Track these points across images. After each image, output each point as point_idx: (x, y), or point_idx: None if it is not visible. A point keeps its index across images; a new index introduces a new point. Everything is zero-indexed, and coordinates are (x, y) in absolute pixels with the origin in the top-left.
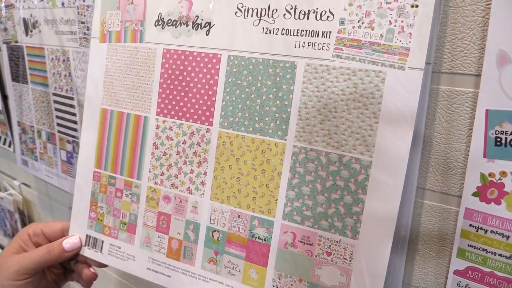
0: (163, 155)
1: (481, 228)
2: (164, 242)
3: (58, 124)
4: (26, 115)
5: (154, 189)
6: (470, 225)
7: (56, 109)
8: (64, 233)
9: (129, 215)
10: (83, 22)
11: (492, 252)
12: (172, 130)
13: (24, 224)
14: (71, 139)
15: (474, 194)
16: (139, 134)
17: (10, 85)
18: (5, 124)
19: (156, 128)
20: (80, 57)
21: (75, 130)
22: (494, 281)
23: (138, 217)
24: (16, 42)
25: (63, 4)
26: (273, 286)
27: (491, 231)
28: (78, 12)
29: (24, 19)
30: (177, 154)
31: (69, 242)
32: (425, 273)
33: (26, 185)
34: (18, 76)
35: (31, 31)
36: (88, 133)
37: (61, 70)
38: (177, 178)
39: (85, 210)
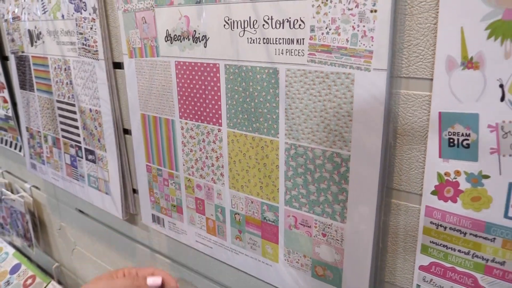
0: (190, 151)
1: (441, 225)
2: (203, 221)
3: (62, 130)
4: (33, 121)
5: (189, 179)
6: (431, 223)
7: (60, 115)
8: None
9: (176, 199)
10: (81, 33)
11: (452, 248)
12: (193, 130)
13: (34, 225)
14: (74, 143)
15: (433, 193)
16: (170, 134)
17: (18, 93)
18: (15, 129)
19: (181, 129)
20: (80, 66)
21: (78, 135)
22: (455, 276)
23: (182, 201)
24: (23, 52)
25: (63, 16)
26: (285, 260)
27: (450, 228)
28: (77, 24)
29: (29, 30)
30: (200, 151)
31: (152, 279)
32: (395, 268)
33: (36, 187)
34: (25, 84)
35: (36, 42)
36: (136, 133)
37: (63, 78)
38: (203, 170)
39: (146, 195)
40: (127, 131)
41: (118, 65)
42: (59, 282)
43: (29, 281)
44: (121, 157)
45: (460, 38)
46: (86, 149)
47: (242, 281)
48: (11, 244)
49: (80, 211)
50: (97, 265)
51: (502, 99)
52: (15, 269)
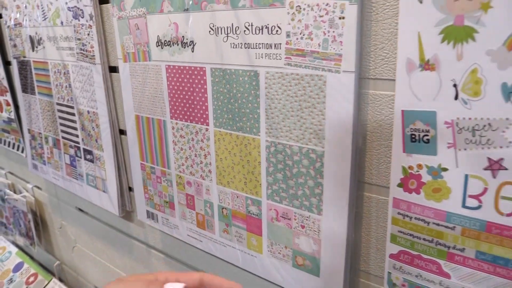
0: (180, 150)
1: (407, 216)
2: (193, 216)
3: (62, 131)
4: (34, 123)
5: (180, 176)
6: (398, 213)
7: (60, 117)
8: (203, 283)
9: (168, 195)
10: (79, 39)
11: (417, 237)
12: (183, 130)
13: (36, 224)
14: (73, 144)
15: (399, 185)
16: (162, 133)
17: (20, 96)
18: (18, 131)
19: (172, 129)
20: (78, 70)
21: (76, 136)
22: (422, 263)
23: (174, 197)
24: (24, 57)
25: (62, 23)
26: (268, 251)
27: (415, 218)
28: (75, 30)
29: (30, 36)
30: (189, 149)
31: (172, 285)
32: (368, 257)
33: (38, 187)
34: (26, 87)
35: (37, 47)
36: (130, 134)
37: (62, 82)
38: (192, 167)
39: (141, 192)
40: (122, 132)
41: (113, 69)
42: (60, 280)
43: (31, 278)
44: (117, 157)
45: (417, 42)
46: (84, 149)
47: (230, 272)
48: (14, 243)
49: (80, 209)
50: (96, 261)
51: (456, 97)
52: (18, 267)
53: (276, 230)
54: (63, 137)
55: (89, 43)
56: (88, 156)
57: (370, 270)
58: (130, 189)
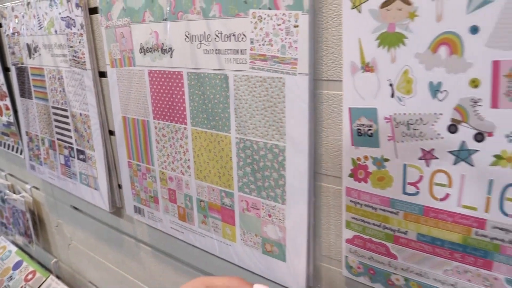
0: (162, 147)
1: (358, 203)
2: (175, 209)
3: (57, 133)
4: (32, 126)
5: (163, 172)
6: (351, 201)
7: (55, 120)
8: None
9: (152, 191)
10: (71, 47)
11: (368, 222)
12: (164, 129)
13: (34, 223)
14: (67, 145)
15: (350, 175)
16: (146, 133)
17: (19, 101)
18: (16, 134)
19: (155, 129)
20: (71, 75)
21: (70, 137)
22: (373, 246)
23: (158, 192)
24: (22, 63)
25: (56, 31)
26: (241, 239)
27: (365, 205)
28: (68, 38)
29: (27, 44)
30: (170, 147)
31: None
32: (329, 243)
33: (36, 188)
34: (24, 92)
35: (33, 54)
36: (118, 134)
37: (57, 86)
38: (173, 163)
39: (129, 188)
40: (112, 132)
41: (103, 74)
42: (57, 277)
43: (30, 276)
44: (107, 156)
45: (359, 47)
46: (77, 150)
47: (209, 262)
48: (14, 242)
49: (75, 208)
50: (90, 257)
51: (392, 95)
52: (17, 266)
53: (247, 220)
54: (58, 139)
55: (80, 50)
56: (81, 156)
57: (331, 254)
58: (120, 186)
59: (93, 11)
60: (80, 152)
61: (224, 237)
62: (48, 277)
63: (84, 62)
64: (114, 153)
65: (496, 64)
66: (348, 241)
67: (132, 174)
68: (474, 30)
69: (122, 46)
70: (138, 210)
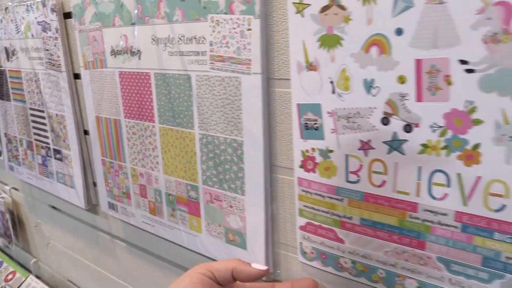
0: (133, 145)
1: (308, 192)
2: (146, 203)
3: (34, 133)
4: (10, 127)
5: (134, 168)
6: (303, 190)
7: (32, 121)
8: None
9: (125, 187)
10: (47, 50)
11: (318, 209)
12: (134, 127)
13: (14, 223)
14: (44, 145)
15: (300, 166)
16: (118, 131)
17: None
18: None
19: (126, 127)
20: (47, 77)
21: (47, 137)
22: (323, 232)
23: (130, 188)
24: (1, 66)
25: (32, 35)
26: (206, 230)
27: (314, 193)
28: (43, 42)
29: (5, 47)
30: (140, 144)
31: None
32: (285, 231)
33: (15, 189)
34: (3, 95)
35: (11, 57)
36: (92, 133)
37: (34, 88)
38: (143, 160)
39: (103, 185)
40: (87, 132)
41: (77, 76)
42: (37, 276)
43: (10, 276)
44: (82, 154)
45: (303, 48)
46: (54, 149)
47: (178, 253)
48: None
49: (53, 207)
50: (69, 256)
51: (333, 92)
52: None
53: (211, 211)
54: (35, 139)
55: (55, 53)
56: (58, 156)
57: (287, 242)
58: (95, 184)
59: (67, 15)
60: (57, 151)
61: (191, 228)
62: (28, 277)
63: (60, 64)
64: (89, 151)
65: (418, 62)
66: (301, 228)
67: (105, 171)
68: (399, 32)
69: (95, 49)
70: (112, 206)
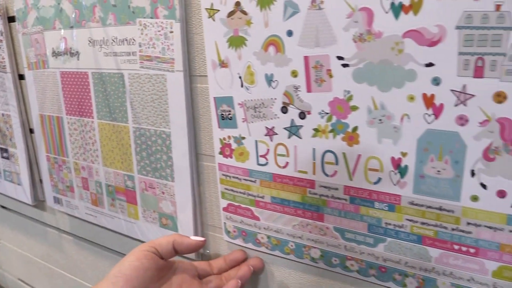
0: (75, 140)
1: (228, 175)
2: (88, 195)
3: None
4: None
5: (76, 162)
6: (223, 174)
7: None
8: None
9: (68, 181)
10: None
11: (236, 191)
12: (75, 124)
13: None
14: None
15: (220, 153)
16: (60, 128)
17: None
18: None
19: (68, 123)
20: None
21: None
22: (242, 211)
23: (73, 182)
24: None
25: None
26: (143, 216)
27: (232, 176)
28: None
29: None
30: (81, 139)
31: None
32: (212, 213)
33: None
34: None
35: None
36: (37, 130)
37: None
38: (84, 154)
39: (48, 181)
40: (32, 130)
41: (22, 77)
42: None
43: None
44: (28, 152)
45: (215, 48)
46: (1, 148)
47: (119, 240)
48: None
49: (3, 206)
50: (19, 254)
51: (242, 85)
52: None
53: (146, 199)
54: None
55: (0, 55)
56: (5, 154)
57: (214, 223)
58: (41, 181)
59: (12, 19)
60: (4, 150)
61: (129, 216)
62: None
63: (5, 66)
64: (35, 149)
65: (306, 59)
66: (224, 209)
67: (50, 167)
68: (290, 33)
69: (37, 51)
70: (57, 201)
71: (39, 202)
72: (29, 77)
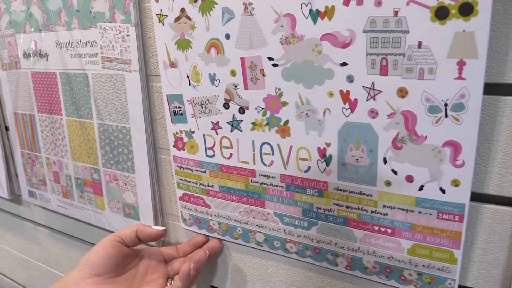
0: (46, 136)
1: (181, 167)
2: (60, 188)
3: None
4: None
5: (48, 157)
6: (177, 166)
7: None
8: (138, 235)
9: (41, 175)
10: None
11: (189, 181)
12: (46, 121)
13: None
14: None
15: (174, 146)
16: (33, 125)
17: None
18: None
19: (39, 121)
20: None
21: None
22: (195, 200)
23: (45, 176)
24: None
25: None
26: (109, 207)
27: (185, 168)
28: None
29: None
30: (52, 135)
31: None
32: (170, 202)
33: None
34: None
35: None
36: (12, 128)
37: None
38: (55, 149)
39: (23, 176)
40: (7, 128)
41: None
42: None
43: None
44: (4, 148)
45: (166, 50)
46: None
47: (88, 230)
48: None
49: None
50: None
51: (189, 84)
52: None
53: (111, 190)
54: None
55: None
56: None
57: (173, 212)
58: (17, 175)
59: None
60: None
61: (96, 207)
62: None
63: None
64: (11, 145)
65: (242, 60)
66: (180, 198)
67: (24, 162)
68: (228, 36)
69: (10, 52)
70: (31, 194)
71: (15, 196)
72: (3, 77)
